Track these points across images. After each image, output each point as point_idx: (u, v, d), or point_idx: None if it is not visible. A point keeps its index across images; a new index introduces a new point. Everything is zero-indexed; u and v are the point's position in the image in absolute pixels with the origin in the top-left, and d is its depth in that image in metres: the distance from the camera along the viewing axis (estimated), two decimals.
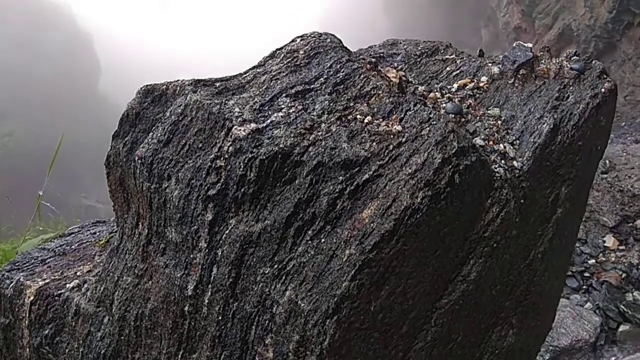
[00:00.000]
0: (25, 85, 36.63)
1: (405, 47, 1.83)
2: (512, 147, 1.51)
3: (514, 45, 1.72)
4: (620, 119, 19.58)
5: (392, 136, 1.25)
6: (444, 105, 1.56)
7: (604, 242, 7.01)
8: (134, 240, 1.31)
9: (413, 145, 1.24)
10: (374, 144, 1.24)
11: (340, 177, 1.19)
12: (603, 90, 1.62)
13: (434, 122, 1.28)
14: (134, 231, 1.32)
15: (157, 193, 1.21)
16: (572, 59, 1.71)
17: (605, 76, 1.68)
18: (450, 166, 1.22)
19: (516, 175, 1.47)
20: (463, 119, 1.55)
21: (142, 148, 1.23)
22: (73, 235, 1.77)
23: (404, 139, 1.25)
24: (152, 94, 1.33)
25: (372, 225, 1.16)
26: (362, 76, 1.38)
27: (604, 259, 6.94)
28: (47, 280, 1.47)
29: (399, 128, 1.27)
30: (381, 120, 1.30)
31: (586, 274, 6.79)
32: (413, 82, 1.67)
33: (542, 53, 1.73)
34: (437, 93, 1.62)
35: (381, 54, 1.75)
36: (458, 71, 1.74)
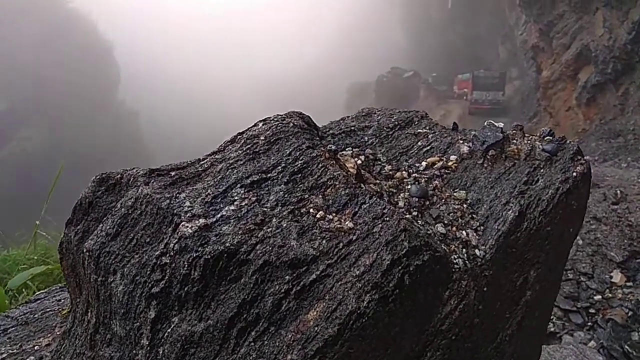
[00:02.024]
0: (45, 90, 37.39)
1: (378, 118, 1.82)
2: (475, 234, 1.48)
3: (485, 124, 1.70)
4: (638, 141, 19.30)
5: (343, 233, 1.24)
6: (409, 187, 1.54)
7: (611, 277, 6.86)
8: (84, 326, 1.32)
9: (364, 244, 1.23)
10: (324, 241, 1.23)
11: (287, 277, 1.18)
12: (575, 174, 1.59)
13: (387, 219, 1.27)
14: (84, 317, 1.32)
15: (104, 286, 1.22)
16: (545, 138, 1.68)
17: (579, 158, 1.64)
18: (400, 267, 1.20)
19: (478, 264, 1.44)
20: (428, 202, 1.53)
21: (91, 240, 1.24)
22: (39, 301, 1.78)
23: (354, 237, 1.24)
24: (107, 183, 1.35)
25: (316, 328, 1.14)
26: (320, 165, 1.37)
27: (610, 295, 6.78)
28: (4, 355, 1.48)
29: (351, 225, 1.25)
30: (334, 214, 1.28)
31: (591, 310, 6.65)
32: (381, 159, 1.66)
33: (514, 132, 1.71)
34: (404, 172, 1.61)
35: (352, 128, 1.75)
36: (429, 147, 1.72)
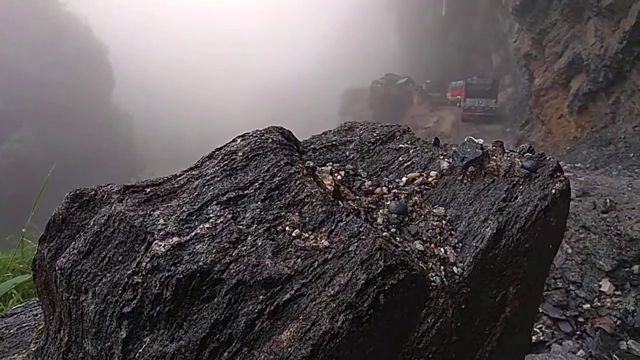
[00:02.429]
0: (39, 92, 37.25)
1: (360, 132, 1.83)
2: (453, 251, 1.48)
3: (465, 140, 1.70)
4: (629, 149, 19.46)
5: (318, 252, 1.24)
6: (389, 203, 1.54)
7: (600, 286, 6.89)
8: (56, 344, 1.30)
9: (339, 263, 1.22)
10: (299, 260, 1.22)
11: (261, 297, 1.17)
12: (553, 191, 1.59)
13: (363, 237, 1.26)
14: (57, 335, 1.31)
15: (75, 305, 1.20)
16: (524, 155, 1.69)
17: (558, 174, 1.65)
18: (374, 287, 1.20)
19: (456, 282, 1.44)
20: (407, 218, 1.53)
21: (63, 258, 1.23)
22: (15, 316, 1.76)
23: (330, 256, 1.24)
24: (80, 199, 1.33)
25: (289, 349, 1.13)
26: (297, 182, 1.37)
27: (599, 304, 6.80)
28: None
29: (326, 243, 1.25)
30: (310, 232, 1.28)
31: (580, 319, 6.66)
32: (362, 174, 1.66)
33: (494, 148, 1.71)
34: (384, 188, 1.61)
35: (334, 142, 1.75)
36: (410, 162, 1.72)
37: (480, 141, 1.66)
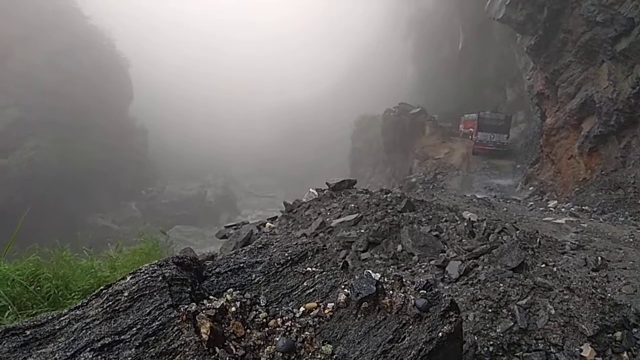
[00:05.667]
0: (57, 102, 38.00)
1: (273, 251, 1.89)
2: None
3: (364, 274, 1.75)
4: (637, 195, 19.17)
5: None
6: (278, 339, 1.59)
7: (581, 351, 6.78)
8: None
9: None
10: None
11: None
12: (441, 334, 1.63)
13: None
14: None
15: None
16: (419, 292, 1.73)
17: (450, 314, 1.68)
18: None
19: None
20: (294, 356, 1.57)
21: None
22: None
23: None
24: None
25: None
26: (175, 328, 1.43)
27: None
28: None
29: None
30: None
31: None
32: (261, 302, 1.71)
33: (393, 282, 1.75)
34: (279, 319, 1.65)
35: (242, 265, 1.81)
36: (312, 289, 1.77)
37: (377, 276, 1.71)
